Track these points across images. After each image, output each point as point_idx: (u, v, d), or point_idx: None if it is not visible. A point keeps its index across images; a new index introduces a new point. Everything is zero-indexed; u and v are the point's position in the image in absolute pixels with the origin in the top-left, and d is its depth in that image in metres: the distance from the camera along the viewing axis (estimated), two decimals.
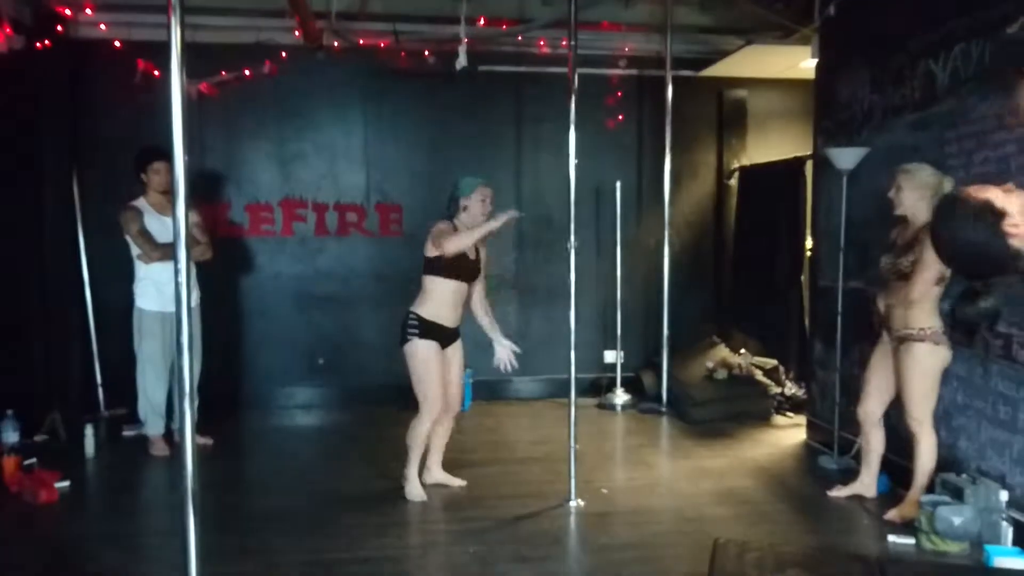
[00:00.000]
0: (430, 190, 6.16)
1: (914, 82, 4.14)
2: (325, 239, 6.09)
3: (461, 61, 5.18)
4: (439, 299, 3.93)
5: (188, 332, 2.29)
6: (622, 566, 3.33)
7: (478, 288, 4.13)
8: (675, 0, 5.84)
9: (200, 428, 4.62)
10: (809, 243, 5.52)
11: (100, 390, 5.67)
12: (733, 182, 6.49)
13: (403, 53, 5.86)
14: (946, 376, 3.74)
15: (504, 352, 4.14)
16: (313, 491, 4.23)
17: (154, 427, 4.84)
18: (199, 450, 2.34)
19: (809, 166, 5.46)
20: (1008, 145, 3.49)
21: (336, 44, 5.74)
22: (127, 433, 5.17)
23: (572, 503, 4.00)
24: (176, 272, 2.27)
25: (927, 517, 3.44)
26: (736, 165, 6.47)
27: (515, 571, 3.29)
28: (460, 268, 3.93)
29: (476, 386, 6.10)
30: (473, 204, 3.95)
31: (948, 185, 3.67)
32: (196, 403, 2.36)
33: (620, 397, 6.09)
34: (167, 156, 2.30)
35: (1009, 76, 3.45)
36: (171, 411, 4.83)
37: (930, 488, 3.70)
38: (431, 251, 3.89)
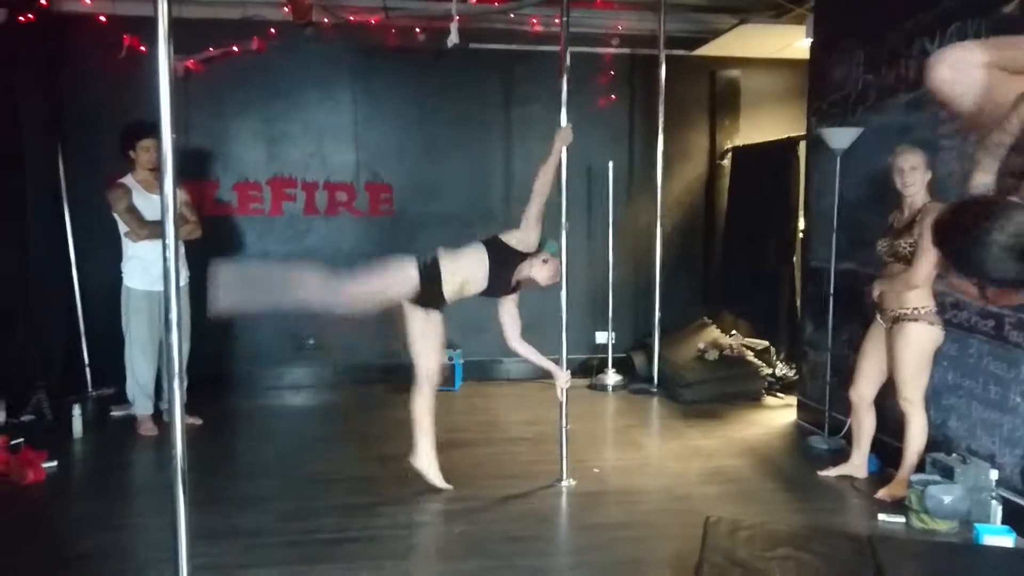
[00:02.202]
0: (420, 169, 6.13)
1: (909, 62, 4.11)
2: (314, 218, 6.04)
3: (452, 39, 5.14)
4: (464, 270, 3.81)
5: (177, 311, 2.26)
6: (613, 545, 3.34)
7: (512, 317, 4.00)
8: None
9: (188, 408, 4.59)
10: (801, 224, 5.51)
11: (87, 370, 5.61)
12: (726, 163, 6.46)
13: (393, 30, 5.79)
14: (937, 356, 3.75)
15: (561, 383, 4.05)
16: (302, 471, 4.22)
17: (142, 407, 4.81)
18: (187, 430, 2.31)
19: (802, 147, 5.44)
20: None
21: (325, 21, 5.66)
22: (115, 413, 5.13)
23: (563, 483, 4.00)
24: (164, 250, 2.23)
25: (917, 496, 3.47)
26: (729, 146, 6.44)
27: (506, 550, 3.29)
28: (500, 277, 3.84)
29: (467, 366, 6.09)
30: (548, 263, 3.88)
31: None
32: (185, 383, 2.34)
33: (611, 378, 6.09)
34: (156, 132, 2.25)
35: None
36: (159, 391, 4.79)
37: (920, 468, 3.72)
38: (517, 240, 3.79)
